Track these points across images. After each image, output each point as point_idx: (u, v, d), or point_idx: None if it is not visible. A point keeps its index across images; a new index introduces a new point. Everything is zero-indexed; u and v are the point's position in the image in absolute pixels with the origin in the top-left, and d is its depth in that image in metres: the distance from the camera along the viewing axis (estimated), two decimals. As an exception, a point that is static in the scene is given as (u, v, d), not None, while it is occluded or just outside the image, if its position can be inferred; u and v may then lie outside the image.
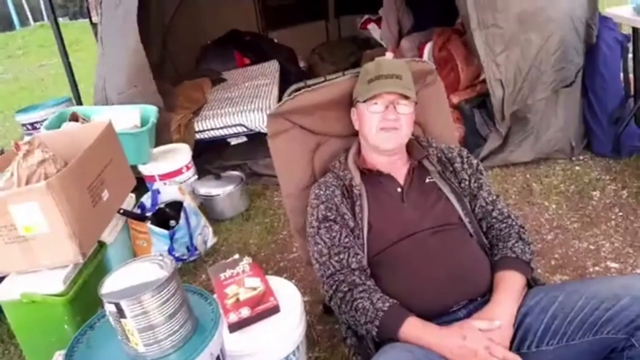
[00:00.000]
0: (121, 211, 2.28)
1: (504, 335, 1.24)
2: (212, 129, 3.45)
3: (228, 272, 1.66)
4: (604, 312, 1.17)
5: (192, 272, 2.47)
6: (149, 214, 2.44)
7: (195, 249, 2.50)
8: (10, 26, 13.24)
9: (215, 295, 1.53)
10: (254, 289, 1.57)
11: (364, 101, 1.54)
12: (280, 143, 1.76)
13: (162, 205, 2.54)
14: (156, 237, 2.39)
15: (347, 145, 1.68)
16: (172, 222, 2.45)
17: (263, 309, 1.52)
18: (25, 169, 1.82)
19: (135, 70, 3.11)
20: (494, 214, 1.50)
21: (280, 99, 3.52)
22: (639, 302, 1.15)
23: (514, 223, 1.48)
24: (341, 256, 1.41)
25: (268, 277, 1.67)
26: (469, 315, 1.32)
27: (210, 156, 3.47)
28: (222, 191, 2.87)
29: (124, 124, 2.77)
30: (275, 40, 5.32)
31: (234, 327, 1.48)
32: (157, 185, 2.68)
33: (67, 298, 1.77)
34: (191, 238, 2.48)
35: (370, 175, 1.55)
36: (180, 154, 3.03)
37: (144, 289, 1.05)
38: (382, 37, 4.33)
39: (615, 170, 2.75)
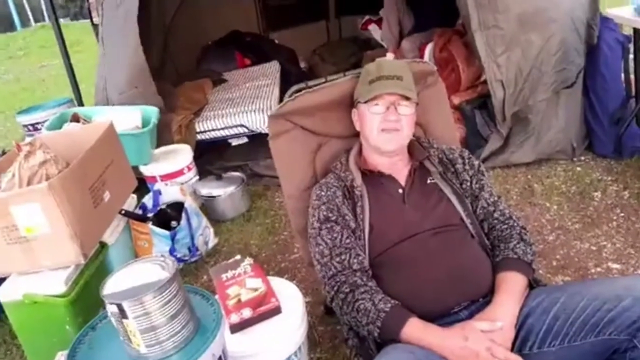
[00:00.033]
0: (122, 212, 2.28)
1: (505, 336, 1.24)
2: (213, 130, 3.45)
3: (229, 273, 1.66)
4: (606, 313, 1.17)
5: (193, 273, 2.47)
6: (150, 215, 2.44)
7: (197, 249, 2.50)
8: (11, 27, 13.26)
9: (216, 296, 1.53)
10: (256, 289, 1.57)
11: (365, 102, 1.54)
12: (281, 144, 1.76)
13: (163, 206, 2.54)
14: (157, 237, 2.39)
15: (349, 146, 1.68)
16: (174, 223, 2.45)
17: (265, 309, 1.52)
18: (26, 169, 1.82)
19: (136, 71, 3.11)
20: (495, 215, 1.50)
21: (281, 99, 3.52)
22: (641, 303, 1.15)
23: (515, 224, 1.48)
24: (342, 257, 1.41)
25: (269, 277, 1.67)
26: (470, 316, 1.32)
27: (211, 157, 3.47)
28: (223, 192, 2.87)
29: (125, 124, 2.78)
30: (276, 41, 5.33)
31: (236, 328, 1.48)
32: (159, 186, 2.68)
33: (69, 299, 1.78)
34: (192, 239, 2.48)
35: (372, 176, 1.55)
36: (181, 155, 3.03)
37: (145, 290, 1.05)
38: (383, 37, 4.33)
39: (616, 171, 2.75)
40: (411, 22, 3.97)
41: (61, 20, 4.44)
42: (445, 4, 3.36)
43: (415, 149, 1.61)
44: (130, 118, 2.88)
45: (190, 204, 2.53)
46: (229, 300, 1.54)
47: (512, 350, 1.24)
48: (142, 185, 2.73)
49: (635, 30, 2.69)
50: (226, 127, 3.43)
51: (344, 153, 1.66)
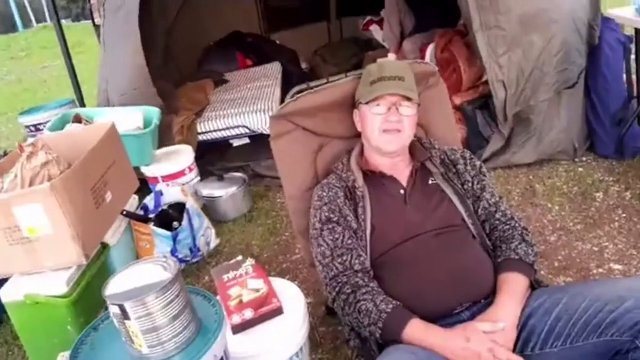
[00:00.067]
0: (124, 213, 2.28)
1: (507, 337, 1.24)
2: (215, 131, 3.45)
3: (231, 274, 1.66)
4: (608, 314, 1.17)
5: (195, 274, 2.47)
6: (152, 216, 2.44)
7: (199, 250, 2.50)
8: (13, 28, 13.30)
9: (218, 297, 1.53)
10: (257, 290, 1.57)
11: (367, 103, 1.54)
12: (283, 145, 1.76)
13: (165, 207, 2.54)
14: (159, 238, 2.39)
15: (350, 147, 1.68)
16: (175, 224, 2.46)
17: (266, 310, 1.52)
18: (29, 170, 1.82)
19: (136, 73, 3.12)
20: (497, 215, 1.50)
21: (282, 100, 3.52)
22: (643, 305, 1.15)
23: (517, 225, 1.48)
24: (344, 258, 1.41)
25: (271, 278, 1.68)
26: (472, 317, 1.32)
27: (213, 158, 3.47)
28: (225, 193, 2.87)
29: (127, 125, 2.78)
30: (278, 42, 5.34)
31: (238, 329, 1.48)
32: (160, 186, 2.68)
33: (71, 300, 1.78)
34: (194, 240, 2.48)
35: (373, 177, 1.55)
36: (183, 156, 3.04)
37: (148, 291, 1.05)
38: (385, 38, 4.33)
39: (618, 171, 2.75)
40: (412, 23, 3.97)
41: (63, 22, 4.44)
42: (446, 4, 3.36)
43: (417, 149, 1.61)
44: (132, 119, 2.89)
45: (192, 204, 2.53)
46: (230, 301, 1.54)
47: (514, 351, 1.24)
48: (144, 186, 2.74)
49: (636, 30, 2.69)
50: (228, 128, 3.43)
51: (346, 154, 1.66)
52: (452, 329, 1.25)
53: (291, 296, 1.62)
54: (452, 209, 1.49)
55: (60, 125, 2.90)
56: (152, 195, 2.57)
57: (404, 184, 1.53)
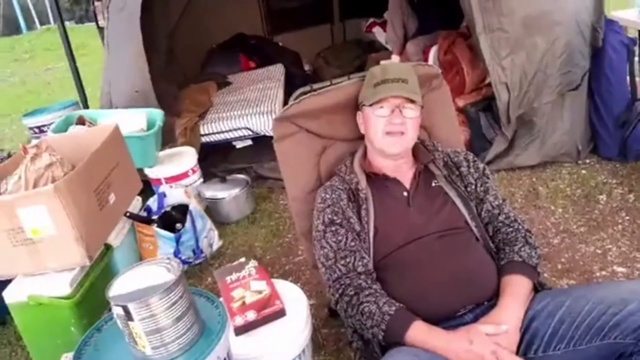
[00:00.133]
0: (127, 214, 2.29)
1: (510, 339, 1.24)
2: (218, 133, 3.46)
3: (234, 275, 1.66)
4: (612, 317, 1.17)
5: (197, 275, 2.48)
6: (155, 217, 2.45)
7: (201, 252, 2.51)
8: (17, 30, 13.33)
9: (221, 299, 1.53)
10: (260, 292, 1.58)
11: (370, 105, 1.54)
12: (286, 147, 1.77)
13: (168, 209, 2.55)
14: (162, 240, 2.39)
15: (353, 149, 1.69)
16: (178, 225, 2.46)
17: (269, 312, 1.52)
18: (32, 172, 1.83)
19: (137, 75, 3.12)
20: (500, 218, 1.50)
21: (285, 102, 3.53)
22: (646, 307, 1.15)
23: (520, 227, 1.48)
24: (347, 260, 1.41)
25: (274, 280, 1.68)
26: (475, 319, 1.31)
27: (215, 159, 3.48)
28: (228, 194, 2.87)
29: (131, 127, 2.78)
30: (281, 44, 5.35)
31: (240, 330, 1.49)
32: (163, 188, 2.69)
33: (74, 301, 1.78)
34: (197, 241, 2.49)
35: (376, 179, 1.55)
36: (186, 157, 3.04)
37: (151, 292, 1.05)
38: (388, 40, 4.34)
39: (621, 174, 2.74)
40: (415, 25, 3.97)
41: (66, 23, 4.46)
42: (449, 6, 3.36)
43: (420, 152, 1.61)
44: (136, 121, 2.89)
45: (194, 206, 2.54)
46: (233, 302, 1.55)
47: (517, 353, 1.24)
48: (147, 188, 2.74)
49: (640, 32, 2.69)
50: (231, 130, 3.44)
51: (349, 156, 1.66)
52: (455, 331, 1.25)
53: (294, 298, 1.62)
54: (455, 211, 1.49)
55: (63, 126, 2.91)
56: (155, 196, 2.58)
57: (407, 186, 1.53)
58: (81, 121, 2.94)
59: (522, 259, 1.38)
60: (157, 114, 2.99)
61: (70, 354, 1.20)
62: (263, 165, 3.25)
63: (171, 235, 2.40)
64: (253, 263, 1.71)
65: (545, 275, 2.08)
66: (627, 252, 2.18)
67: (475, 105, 3.07)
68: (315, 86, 1.86)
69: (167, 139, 3.13)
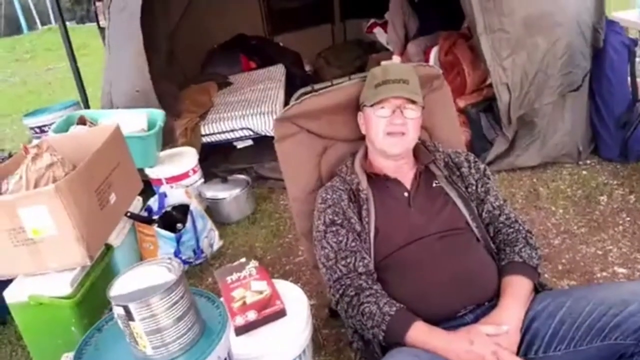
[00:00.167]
0: (128, 214, 2.29)
1: (511, 340, 1.24)
2: (219, 133, 3.46)
3: (235, 276, 1.67)
4: (612, 317, 1.17)
5: (198, 276, 2.48)
6: (155, 217, 2.45)
7: (202, 252, 2.51)
8: (17, 30, 13.34)
9: (222, 299, 1.53)
10: (261, 292, 1.58)
11: (371, 105, 1.54)
12: (287, 147, 1.77)
13: (168, 209, 2.55)
14: (163, 240, 2.39)
15: (354, 150, 1.69)
16: (179, 225, 2.46)
17: (269, 312, 1.52)
18: (33, 172, 1.83)
19: (137, 75, 3.12)
20: (501, 218, 1.50)
21: (286, 102, 3.52)
22: (647, 308, 1.14)
23: (521, 228, 1.48)
24: (348, 260, 1.41)
25: (274, 280, 1.68)
26: (476, 320, 1.32)
27: (216, 159, 3.48)
28: (229, 194, 2.87)
29: (132, 127, 2.79)
30: (281, 44, 5.35)
31: (241, 331, 1.49)
32: (164, 188, 2.69)
33: (75, 300, 1.79)
34: (197, 241, 2.49)
35: (377, 180, 1.55)
36: (186, 158, 3.04)
37: (152, 292, 1.05)
38: (389, 40, 4.34)
39: (622, 175, 2.74)
40: (416, 26, 3.98)
41: (68, 24, 4.46)
42: (450, 7, 3.36)
43: (421, 152, 1.61)
44: (137, 121, 2.90)
45: (195, 206, 2.54)
46: (234, 302, 1.55)
47: (517, 354, 1.24)
48: (148, 188, 2.74)
49: (641, 33, 2.69)
50: (231, 130, 3.44)
51: (350, 156, 1.66)
52: (455, 331, 1.25)
53: (294, 298, 1.62)
54: (455, 212, 1.49)
55: (64, 126, 2.91)
56: (156, 196, 2.58)
57: (408, 186, 1.53)
58: (82, 121, 2.94)
59: (522, 259, 1.38)
60: (158, 114, 2.99)
61: (71, 354, 1.21)
62: (264, 165, 3.25)
63: (172, 235, 2.40)
64: (254, 263, 1.72)
65: (546, 276, 2.08)
66: (628, 253, 2.18)
67: (476, 106, 3.07)
68: (316, 86, 1.86)
69: (168, 139, 3.13)
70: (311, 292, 2.15)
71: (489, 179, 1.57)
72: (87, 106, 3.96)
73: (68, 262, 1.83)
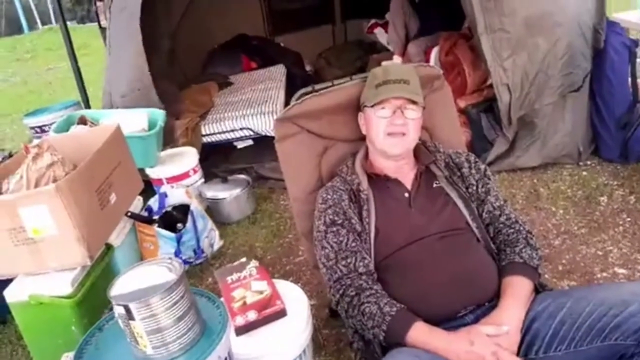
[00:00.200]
0: (129, 214, 2.29)
1: (511, 340, 1.24)
2: (219, 133, 3.46)
3: (235, 276, 1.67)
4: (612, 318, 1.17)
5: (198, 275, 2.48)
6: (156, 217, 2.45)
7: (202, 252, 2.51)
8: (18, 30, 13.35)
9: (222, 299, 1.53)
10: (261, 292, 1.58)
11: (372, 106, 1.54)
12: (287, 147, 1.77)
13: (169, 208, 2.55)
14: (163, 240, 2.39)
15: (355, 150, 1.69)
16: (179, 225, 2.46)
17: (270, 312, 1.52)
18: (34, 171, 1.83)
19: (137, 74, 3.13)
20: (501, 219, 1.50)
21: (286, 103, 3.52)
22: (647, 309, 1.15)
23: (521, 228, 1.48)
24: (348, 260, 1.41)
25: (274, 280, 1.68)
26: (476, 320, 1.32)
27: (216, 159, 3.48)
28: (229, 194, 2.87)
29: (132, 127, 2.79)
30: (282, 45, 5.35)
31: (241, 330, 1.49)
32: (164, 188, 2.69)
33: (75, 300, 1.79)
34: (198, 241, 2.49)
35: (378, 180, 1.55)
36: (187, 158, 3.05)
37: (152, 292, 1.05)
38: (389, 41, 4.34)
39: (623, 175, 2.74)
40: (417, 26, 3.98)
41: (68, 23, 4.46)
42: (451, 7, 3.36)
43: (422, 152, 1.61)
44: (137, 121, 2.90)
45: (195, 206, 2.54)
46: (234, 302, 1.55)
47: (517, 354, 1.24)
48: (148, 188, 2.74)
49: (642, 34, 2.69)
50: (232, 130, 3.44)
51: (350, 157, 1.66)
52: (455, 332, 1.25)
53: (294, 298, 1.62)
54: (456, 212, 1.49)
55: (65, 126, 2.91)
56: (156, 196, 2.58)
57: (409, 186, 1.53)
58: (83, 121, 2.94)
59: (523, 260, 1.38)
60: (159, 114, 2.99)
61: (71, 354, 1.21)
62: (264, 165, 3.26)
63: (172, 235, 2.41)
64: (254, 263, 1.72)
65: (546, 276, 2.08)
66: (628, 253, 2.18)
67: (477, 107, 3.07)
68: (317, 87, 1.86)
69: (168, 139, 3.13)
70: (311, 292, 2.15)
71: (489, 179, 1.57)
72: (87, 106, 3.97)
73: (68, 261, 1.83)
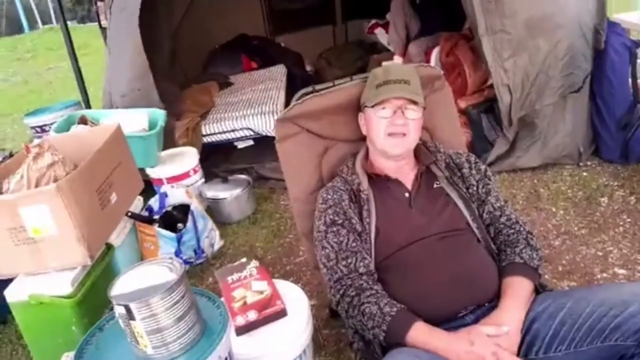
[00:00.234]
0: (129, 214, 2.29)
1: (511, 341, 1.24)
2: (219, 133, 3.46)
3: (235, 276, 1.67)
4: (612, 319, 1.17)
5: (199, 275, 2.48)
6: (156, 217, 2.45)
7: (202, 252, 2.51)
8: (19, 29, 13.36)
9: (222, 299, 1.53)
10: (261, 292, 1.58)
11: (372, 106, 1.54)
12: (288, 147, 1.77)
13: (169, 208, 2.55)
14: (163, 239, 2.39)
15: (355, 150, 1.69)
16: (180, 225, 2.46)
17: (270, 312, 1.52)
18: (35, 171, 1.83)
19: (138, 74, 3.13)
20: (502, 219, 1.50)
21: (287, 103, 3.53)
22: (647, 309, 1.15)
23: (521, 229, 1.48)
24: (349, 260, 1.41)
25: (275, 280, 1.68)
26: (476, 320, 1.32)
27: (217, 159, 3.48)
28: (229, 194, 2.88)
29: (133, 127, 2.79)
30: (283, 45, 5.35)
31: (241, 330, 1.49)
32: (165, 188, 2.69)
33: (75, 300, 1.79)
34: (198, 241, 2.49)
35: (378, 180, 1.55)
36: (187, 158, 3.05)
37: (153, 292, 1.05)
38: (390, 41, 4.34)
39: (623, 176, 2.74)
40: (417, 26, 3.98)
41: (69, 23, 4.46)
42: (451, 8, 3.37)
43: (422, 153, 1.61)
44: (138, 120, 2.90)
45: (196, 206, 2.54)
46: (234, 302, 1.55)
47: (518, 355, 1.24)
48: (149, 188, 2.74)
49: (642, 35, 2.69)
50: (232, 130, 3.44)
51: (351, 157, 1.66)
52: (456, 332, 1.25)
53: (295, 298, 1.62)
54: (456, 213, 1.49)
55: (65, 126, 2.92)
56: (157, 196, 2.58)
57: (409, 187, 1.53)
58: (83, 121, 2.94)
59: (523, 260, 1.38)
60: (159, 114, 2.99)
61: (72, 353, 1.21)
62: (264, 165, 3.26)
63: (172, 235, 2.41)
64: (254, 263, 1.72)
65: (546, 277, 2.08)
66: (628, 254, 2.18)
67: (477, 107, 3.07)
68: (317, 87, 1.86)
69: (167, 141, 3.13)
70: (312, 292, 2.16)
71: (489, 179, 1.57)
72: (88, 106, 3.97)
73: (69, 261, 1.83)
